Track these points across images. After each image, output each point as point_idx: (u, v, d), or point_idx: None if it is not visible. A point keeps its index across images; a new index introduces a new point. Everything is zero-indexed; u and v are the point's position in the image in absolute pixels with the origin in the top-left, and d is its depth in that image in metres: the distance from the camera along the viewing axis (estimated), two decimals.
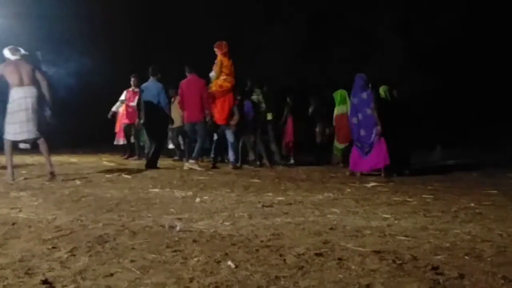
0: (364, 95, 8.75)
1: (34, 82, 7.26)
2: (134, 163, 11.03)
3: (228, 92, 9.82)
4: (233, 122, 9.88)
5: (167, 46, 18.44)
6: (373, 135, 8.58)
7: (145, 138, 11.91)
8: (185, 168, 9.40)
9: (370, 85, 8.89)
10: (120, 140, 13.21)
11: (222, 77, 9.78)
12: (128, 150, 12.74)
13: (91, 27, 17.09)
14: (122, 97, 12.39)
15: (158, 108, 9.56)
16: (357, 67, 14.93)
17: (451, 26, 16.60)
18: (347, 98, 10.43)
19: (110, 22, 17.89)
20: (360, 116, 8.76)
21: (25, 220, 4.14)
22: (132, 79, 12.02)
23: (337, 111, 10.98)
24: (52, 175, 7.27)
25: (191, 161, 9.55)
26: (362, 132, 8.73)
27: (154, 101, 9.54)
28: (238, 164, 10.11)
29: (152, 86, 9.67)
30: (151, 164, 9.50)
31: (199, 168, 9.30)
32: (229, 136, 9.92)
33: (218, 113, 9.84)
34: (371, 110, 8.61)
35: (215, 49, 9.91)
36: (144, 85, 9.91)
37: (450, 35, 16.50)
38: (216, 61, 9.93)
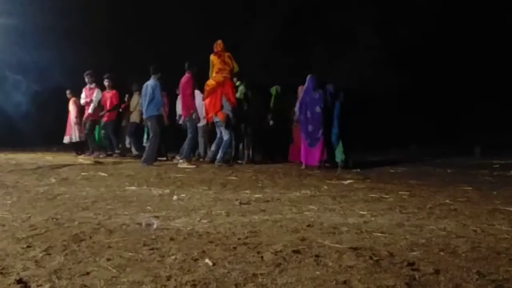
0: (316, 95, 9.63)
1: None
2: (109, 160, 10.94)
3: (215, 90, 10.01)
4: (220, 116, 9.99)
5: (143, 42, 18.29)
6: (320, 131, 9.55)
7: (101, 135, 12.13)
8: (179, 165, 9.54)
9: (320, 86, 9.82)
10: (67, 138, 13.13)
11: (212, 76, 10.07)
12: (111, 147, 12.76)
13: (67, 23, 16.85)
14: (83, 95, 12.41)
15: (152, 105, 9.89)
16: (331, 64, 15.09)
17: (425, 23, 16.77)
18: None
19: (88, 17, 17.65)
20: (309, 113, 9.64)
21: None
22: (87, 76, 12.17)
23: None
24: None
25: (180, 160, 9.74)
26: (310, 128, 9.65)
27: (149, 99, 9.86)
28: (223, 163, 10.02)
29: (150, 84, 9.96)
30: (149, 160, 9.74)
31: (190, 166, 9.42)
32: (224, 134, 10.04)
33: (208, 111, 10.13)
34: (320, 109, 9.55)
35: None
36: (145, 83, 10.15)
37: (424, 32, 16.66)
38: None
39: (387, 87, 16.11)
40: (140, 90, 12.58)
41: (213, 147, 10.55)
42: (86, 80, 12.29)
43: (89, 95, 12.28)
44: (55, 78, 13.75)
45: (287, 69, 17.04)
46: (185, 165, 9.48)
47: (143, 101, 10.11)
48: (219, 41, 10.13)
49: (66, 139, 13.14)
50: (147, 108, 9.95)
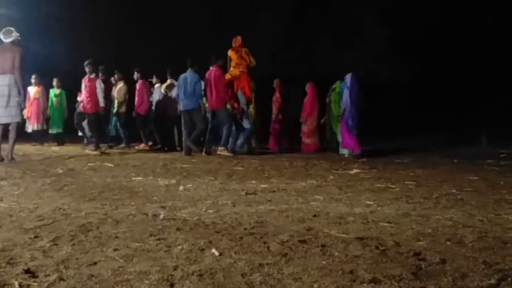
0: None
1: (14, 70, 7.45)
2: (115, 151, 10.96)
3: (231, 83, 10.49)
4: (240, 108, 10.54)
5: (149, 34, 18.27)
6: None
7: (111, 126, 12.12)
8: (218, 152, 9.88)
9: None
10: (35, 126, 13.02)
11: (230, 70, 10.48)
12: (87, 138, 12.62)
13: (72, 13, 16.87)
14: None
15: (194, 97, 10.10)
16: (337, 56, 15.05)
17: (431, 13, 16.70)
18: None
19: (93, 8, 17.65)
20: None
21: (6, 209, 4.09)
22: (88, 66, 11.35)
23: None
24: (12, 159, 7.86)
25: (221, 148, 10.00)
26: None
27: (190, 91, 10.03)
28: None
29: (190, 76, 10.12)
30: (188, 151, 10.02)
31: (229, 154, 9.81)
32: (245, 123, 10.56)
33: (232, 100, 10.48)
34: None
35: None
36: (182, 75, 10.27)
37: (431, 22, 16.59)
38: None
39: (394, 78, 16.07)
40: (124, 79, 12.54)
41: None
42: (87, 70, 11.30)
43: (88, 86, 11.35)
44: (61, 69, 13.73)
45: (294, 61, 17.03)
46: (225, 152, 9.83)
47: (181, 93, 10.15)
48: (238, 37, 10.49)
49: (36, 127, 12.98)
50: (190, 101, 10.06)
